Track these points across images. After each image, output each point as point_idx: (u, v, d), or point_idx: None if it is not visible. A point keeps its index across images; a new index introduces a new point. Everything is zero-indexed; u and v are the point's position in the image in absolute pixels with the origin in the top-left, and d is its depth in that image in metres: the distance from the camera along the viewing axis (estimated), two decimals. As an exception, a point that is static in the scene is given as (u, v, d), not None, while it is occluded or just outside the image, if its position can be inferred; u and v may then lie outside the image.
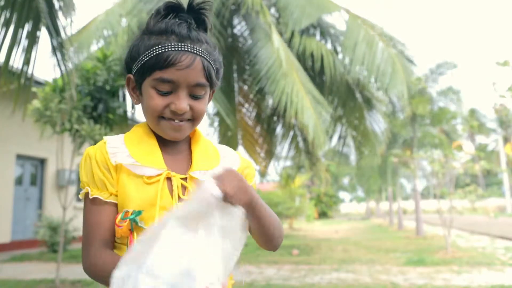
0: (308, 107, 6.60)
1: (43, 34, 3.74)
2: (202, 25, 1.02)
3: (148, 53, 0.95)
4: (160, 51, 0.94)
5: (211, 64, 0.98)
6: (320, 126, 6.80)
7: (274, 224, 0.98)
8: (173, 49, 0.93)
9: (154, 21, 0.99)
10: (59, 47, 3.88)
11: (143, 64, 0.96)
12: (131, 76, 1.03)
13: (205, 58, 0.97)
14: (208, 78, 0.98)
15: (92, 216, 0.96)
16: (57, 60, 4.01)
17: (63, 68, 4.07)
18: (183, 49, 0.94)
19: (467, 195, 10.11)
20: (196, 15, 1.01)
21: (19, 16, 3.51)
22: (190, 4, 1.00)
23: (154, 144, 1.01)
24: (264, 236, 0.98)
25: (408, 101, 9.86)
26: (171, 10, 1.00)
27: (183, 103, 0.95)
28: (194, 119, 1.00)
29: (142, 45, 0.97)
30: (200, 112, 1.00)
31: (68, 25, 3.88)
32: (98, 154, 0.98)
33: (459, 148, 10.88)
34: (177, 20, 0.98)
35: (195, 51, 0.95)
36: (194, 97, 0.98)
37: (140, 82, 1.00)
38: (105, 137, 1.02)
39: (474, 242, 11.55)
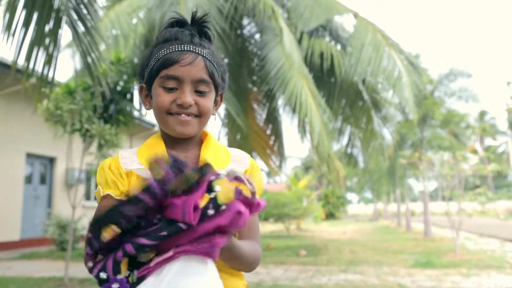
0: (314, 112, 6.61)
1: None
2: (205, 36, 1.12)
3: (155, 58, 1.06)
4: (165, 53, 1.04)
5: (213, 65, 1.07)
6: (325, 132, 6.81)
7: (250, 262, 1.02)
8: (176, 49, 1.04)
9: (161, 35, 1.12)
10: (85, 41, 3.87)
11: (151, 68, 1.07)
12: (143, 84, 1.13)
13: (208, 59, 1.06)
14: (211, 76, 1.06)
15: (101, 211, 1.00)
16: (82, 51, 3.97)
17: (89, 60, 4.04)
18: (185, 49, 1.04)
19: (476, 197, 10.03)
20: (199, 28, 1.12)
21: (40, 15, 3.53)
22: (193, 18, 1.12)
23: (162, 148, 1.09)
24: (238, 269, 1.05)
25: (417, 103, 9.81)
26: (176, 25, 1.12)
27: (188, 96, 1.03)
28: (200, 114, 1.07)
29: (150, 54, 1.09)
30: (206, 108, 1.07)
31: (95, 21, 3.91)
32: (113, 164, 1.07)
33: (474, 152, 10.79)
34: (180, 29, 1.09)
35: (197, 51, 1.05)
36: (199, 92, 1.05)
37: (150, 85, 1.09)
38: (120, 151, 1.12)
39: (483, 244, 11.47)
